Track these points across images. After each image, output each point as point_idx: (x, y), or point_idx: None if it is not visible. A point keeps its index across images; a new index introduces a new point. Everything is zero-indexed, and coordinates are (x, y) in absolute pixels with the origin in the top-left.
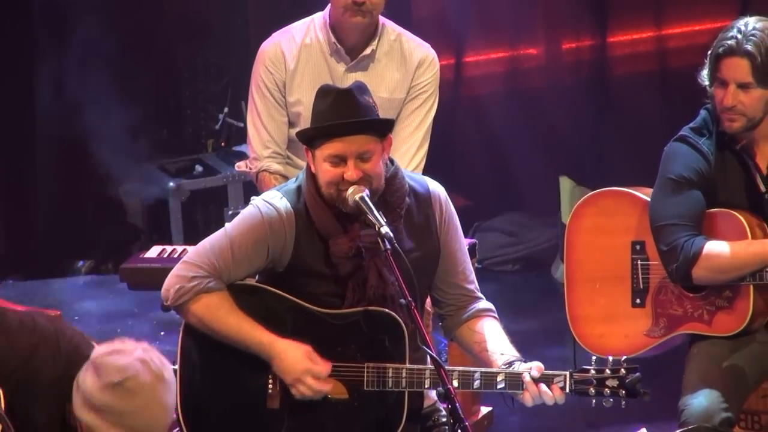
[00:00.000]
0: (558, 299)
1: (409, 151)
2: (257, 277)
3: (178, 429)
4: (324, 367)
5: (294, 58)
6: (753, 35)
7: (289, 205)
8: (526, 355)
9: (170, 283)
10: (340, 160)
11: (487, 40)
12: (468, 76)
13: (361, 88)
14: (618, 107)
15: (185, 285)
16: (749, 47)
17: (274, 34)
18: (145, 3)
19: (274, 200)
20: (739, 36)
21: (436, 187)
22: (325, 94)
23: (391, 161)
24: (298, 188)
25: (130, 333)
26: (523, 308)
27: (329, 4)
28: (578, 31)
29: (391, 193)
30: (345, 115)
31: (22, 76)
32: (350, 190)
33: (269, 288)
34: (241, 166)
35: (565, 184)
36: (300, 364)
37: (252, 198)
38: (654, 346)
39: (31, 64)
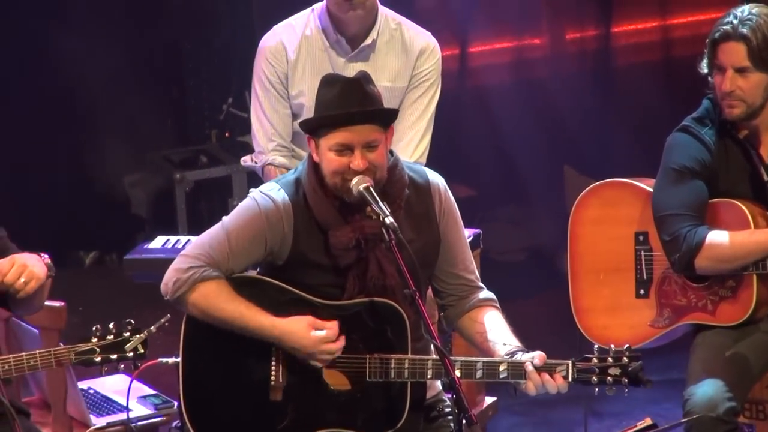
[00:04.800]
0: (563, 289)
1: (412, 141)
2: (258, 269)
3: (178, 421)
4: (331, 329)
5: (295, 50)
6: (749, 20)
7: (287, 197)
8: (530, 344)
9: (168, 277)
10: (346, 149)
11: (491, 30)
12: (472, 66)
13: (366, 77)
14: (622, 97)
15: (181, 276)
16: (745, 31)
17: (274, 27)
18: None
19: (271, 192)
20: (735, 21)
21: (435, 178)
22: (331, 83)
23: (391, 152)
24: (297, 180)
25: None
26: (528, 298)
27: None
28: (582, 21)
29: (390, 183)
30: (353, 105)
31: (24, 63)
32: (355, 180)
33: (270, 280)
34: (246, 160)
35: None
36: (307, 338)
37: (250, 190)
38: (658, 337)
39: (34, 52)
